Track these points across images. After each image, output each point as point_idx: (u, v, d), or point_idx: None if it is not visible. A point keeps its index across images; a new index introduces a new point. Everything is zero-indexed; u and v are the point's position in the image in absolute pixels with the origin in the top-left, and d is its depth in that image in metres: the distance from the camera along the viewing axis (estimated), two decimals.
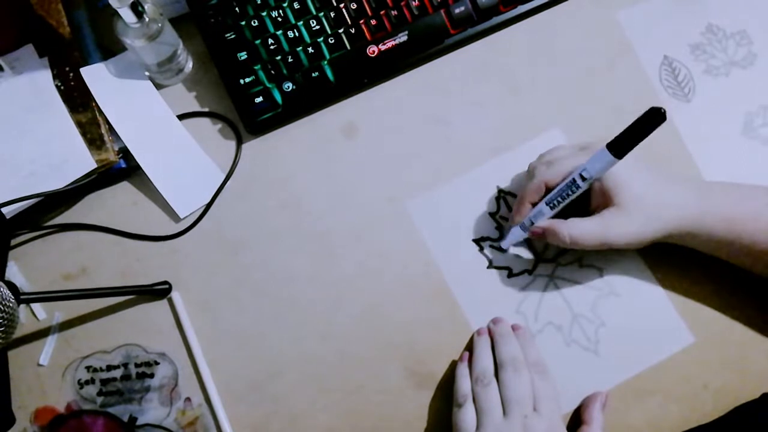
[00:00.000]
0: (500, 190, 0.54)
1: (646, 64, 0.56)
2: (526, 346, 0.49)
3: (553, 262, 0.53)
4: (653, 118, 0.41)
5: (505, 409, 0.46)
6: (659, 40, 0.56)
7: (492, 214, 0.54)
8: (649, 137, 0.54)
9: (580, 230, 0.47)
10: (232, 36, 0.54)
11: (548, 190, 0.48)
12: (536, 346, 0.50)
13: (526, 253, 0.53)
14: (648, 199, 0.46)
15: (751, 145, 0.55)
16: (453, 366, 0.51)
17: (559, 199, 0.47)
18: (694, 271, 0.52)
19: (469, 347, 0.52)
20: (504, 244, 0.53)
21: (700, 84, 0.56)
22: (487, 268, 0.53)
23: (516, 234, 0.51)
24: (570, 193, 0.46)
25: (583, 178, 0.45)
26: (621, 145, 0.43)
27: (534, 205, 0.49)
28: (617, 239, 0.46)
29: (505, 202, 0.54)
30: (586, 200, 0.49)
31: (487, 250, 0.53)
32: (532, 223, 0.49)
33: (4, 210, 0.52)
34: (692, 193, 0.47)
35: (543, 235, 0.49)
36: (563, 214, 0.48)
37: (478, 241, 0.53)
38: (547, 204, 0.48)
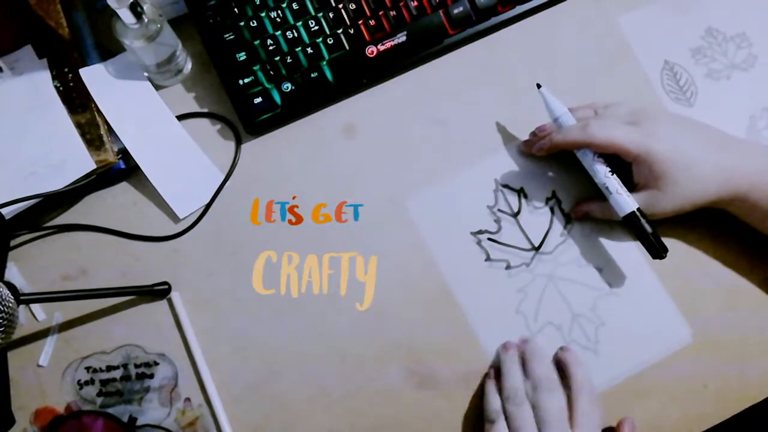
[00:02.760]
0: (498, 183, 0.54)
1: (647, 68, 0.56)
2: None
3: (551, 255, 0.53)
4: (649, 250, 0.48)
5: (540, 430, 0.45)
6: (659, 45, 0.56)
7: (490, 207, 0.54)
8: None
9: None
10: (231, 36, 0.54)
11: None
12: (548, 359, 0.50)
13: (524, 245, 0.53)
14: (696, 170, 0.46)
15: None
16: (453, 366, 0.51)
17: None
18: (694, 270, 0.52)
19: (495, 363, 0.51)
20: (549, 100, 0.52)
21: (702, 88, 0.56)
22: (485, 260, 0.53)
23: (556, 107, 0.51)
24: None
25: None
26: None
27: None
28: (656, 216, 0.48)
29: (503, 195, 0.54)
30: (629, 173, 0.49)
31: (485, 243, 0.53)
32: (557, 120, 0.51)
33: (4, 211, 0.52)
34: (743, 159, 0.47)
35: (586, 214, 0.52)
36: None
37: (476, 234, 0.53)
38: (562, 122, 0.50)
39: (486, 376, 0.51)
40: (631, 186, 0.49)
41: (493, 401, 0.48)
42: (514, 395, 0.47)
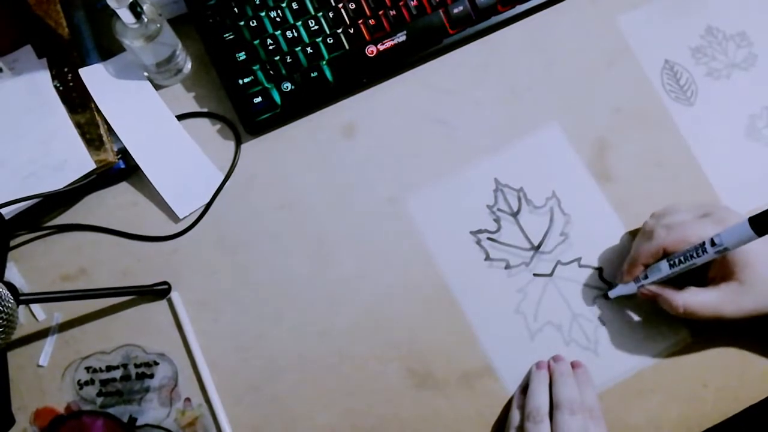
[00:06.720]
0: (498, 183, 0.54)
1: (647, 68, 0.56)
2: (583, 388, 0.49)
3: (550, 254, 0.53)
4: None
5: None
6: (659, 44, 0.56)
7: (490, 207, 0.54)
8: (655, 142, 0.54)
9: (698, 302, 0.45)
10: (231, 36, 0.54)
11: (664, 254, 0.47)
12: (594, 389, 0.49)
13: (524, 244, 0.53)
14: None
15: (755, 147, 0.55)
16: (453, 366, 0.52)
17: (682, 259, 0.45)
18: None
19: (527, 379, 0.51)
20: (611, 293, 0.51)
21: (702, 87, 0.56)
22: (485, 260, 0.53)
23: (626, 287, 0.50)
24: (696, 256, 0.44)
25: (714, 244, 0.42)
26: (766, 223, 0.39)
27: (646, 266, 0.48)
28: (734, 314, 0.45)
29: (503, 195, 0.54)
30: (702, 268, 0.46)
31: (484, 243, 0.53)
32: (646, 276, 0.48)
33: (4, 211, 0.52)
34: None
35: (653, 299, 0.48)
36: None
37: (475, 233, 0.53)
38: (668, 262, 0.46)
39: (518, 390, 0.51)
40: (705, 283, 0.47)
41: (515, 417, 0.49)
42: (535, 414, 0.47)
